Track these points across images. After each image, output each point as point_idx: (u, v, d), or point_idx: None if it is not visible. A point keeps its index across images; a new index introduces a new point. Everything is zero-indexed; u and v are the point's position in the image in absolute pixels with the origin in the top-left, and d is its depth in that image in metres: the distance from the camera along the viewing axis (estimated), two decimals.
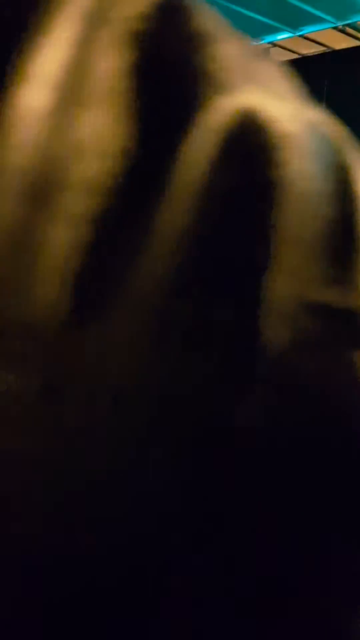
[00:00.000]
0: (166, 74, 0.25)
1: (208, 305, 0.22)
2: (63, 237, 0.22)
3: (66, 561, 0.21)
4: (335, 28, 7.31)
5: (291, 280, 0.23)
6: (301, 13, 6.85)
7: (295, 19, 6.97)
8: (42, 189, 0.22)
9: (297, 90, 0.31)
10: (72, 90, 0.23)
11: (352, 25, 7.22)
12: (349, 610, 0.24)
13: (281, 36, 7.84)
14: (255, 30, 7.45)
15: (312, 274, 0.23)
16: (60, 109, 0.23)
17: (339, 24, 7.21)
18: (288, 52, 8.34)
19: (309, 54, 8.21)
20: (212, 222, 0.23)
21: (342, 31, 7.39)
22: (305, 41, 7.89)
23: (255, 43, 7.87)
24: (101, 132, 0.23)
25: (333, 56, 8.08)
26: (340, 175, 0.25)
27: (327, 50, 8.12)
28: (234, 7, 6.81)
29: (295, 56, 8.41)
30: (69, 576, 0.21)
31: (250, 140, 0.24)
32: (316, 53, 8.16)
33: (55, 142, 0.22)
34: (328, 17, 7.05)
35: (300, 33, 7.36)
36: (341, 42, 7.81)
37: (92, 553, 0.21)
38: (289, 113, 0.25)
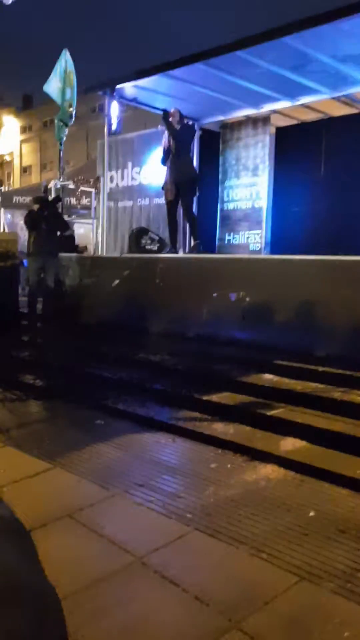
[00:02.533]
0: None
1: None
2: None
3: None
4: (331, 98, 7.83)
5: None
6: (299, 85, 7.36)
7: (293, 90, 7.49)
8: None
9: None
10: None
11: (347, 96, 7.73)
12: None
13: (281, 104, 8.36)
14: (256, 100, 7.99)
15: None
16: None
17: (335, 95, 7.71)
18: (288, 118, 8.88)
19: (307, 120, 8.73)
20: None
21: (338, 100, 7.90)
22: (304, 109, 8.42)
23: (252, 109, 8.39)
24: None
25: (329, 121, 8.59)
26: None
27: (324, 117, 8.65)
28: (238, 81, 7.37)
29: (294, 122, 8.94)
30: None
31: None
32: (313, 119, 8.67)
33: None
34: (323, 89, 7.56)
35: (299, 103, 7.88)
36: (338, 110, 8.33)
37: None
38: None
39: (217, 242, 9.56)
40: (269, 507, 2.98)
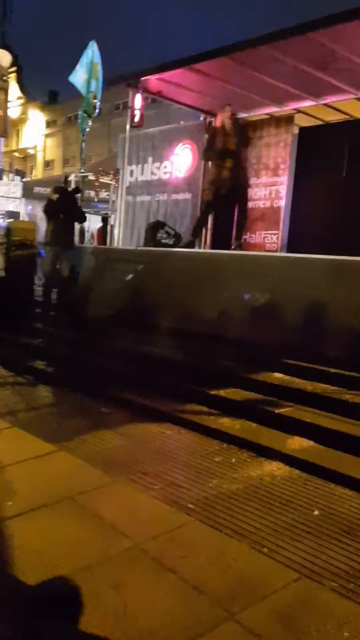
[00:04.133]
0: None
1: None
2: None
3: None
4: (357, 99, 7.72)
5: None
6: (324, 84, 7.26)
7: (318, 89, 7.40)
8: None
9: None
10: None
11: None
12: None
13: (305, 103, 8.27)
14: (280, 98, 7.91)
15: None
16: None
17: None
18: (312, 118, 8.78)
19: (331, 121, 8.62)
20: None
21: None
22: (328, 109, 8.32)
23: (275, 107, 8.31)
24: None
25: (354, 124, 8.48)
26: None
27: (349, 119, 8.53)
28: (263, 77, 7.29)
29: (318, 122, 8.84)
30: None
31: None
32: (338, 120, 8.56)
33: None
34: (349, 88, 7.45)
35: (324, 102, 7.77)
36: None
37: None
38: None
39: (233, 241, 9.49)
40: (272, 504, 2.93)
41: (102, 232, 12.49)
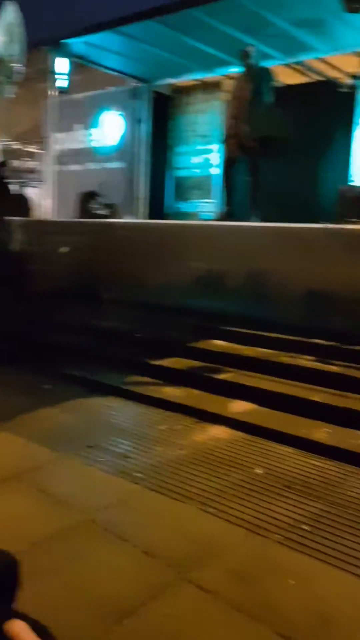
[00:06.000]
0: None
1: None
2: None
3: None
4: (286, 65, 7.77)
5: None
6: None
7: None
8: None
9: None
10: None
11: (301, 63, 7.70)
12: None
13: (235, 69, 8.23)
14: (209, 63, 7.84)
15: None
16: None
17: (289, 62, 7.65)
18: None
19: None
20: None
21: (291, 68, 7.85)
22: None
23: (203, 73, 8.21)
24: None
25: (283, 90, 8.54)
26: None
27: (279, 85, 8.58)
28: (191, 42, 7.18)
29: None
30: None
31: None
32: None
33: None
34: (278, 54, 7.48)
35: None
36: (292, 78, 8.28)
37: None
38: None
39: (168, 210, 9.45)
40: (217, 466, 3.02)
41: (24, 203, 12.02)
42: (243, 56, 6.16)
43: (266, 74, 6.28)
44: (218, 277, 5.52)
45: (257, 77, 6.16)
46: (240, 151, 6.27)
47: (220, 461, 3.08)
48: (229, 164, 6.55)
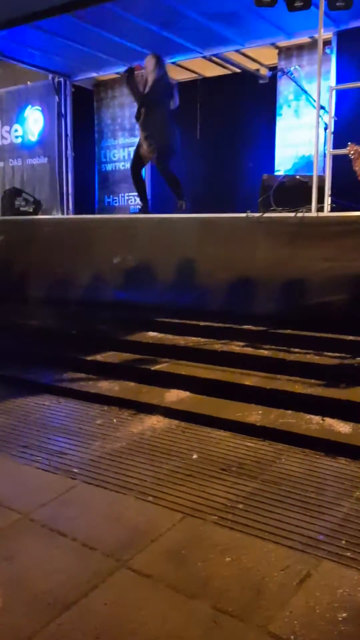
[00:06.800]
0: None
1: None
2: None
3: None
4: (203, 57, 7.85)
5: None
6: (170, 42, 7.29)
7: (165, 48, 7.40)
8: None
9: None
10: None
11: (218, 55, 7.80)
12: None
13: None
14: (128, 57, 7.80)
15: None
16: None
17: (206, 54, 7.75)
18: None
19: (181, 80, 8.71)
20: None
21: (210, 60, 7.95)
22: (178, 68, 8.38)
23: (124, 66, 8.15)
24: None
25: (203, 82, 8.66)
26: None
27: (199, 77, 8.69)
28: (109, 36, 7.12)
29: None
30: None
31: None
32: (188, 79, 8.68)
33: None
34: (195, 48, 7.56)
35: (172, 60, 7.80)
36: (211, 70, 8.39)
37: None
38: None
39: (96, 205, 9.38)
40: (154, 455, 3.07)
41: None
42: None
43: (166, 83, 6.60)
44: (147, 269, 5.56)
45: (158, 86, 6.48)
46: (146, 158, 6.71)
47: (158, 450, 3.13)
48: (135, 167, 6.93)
